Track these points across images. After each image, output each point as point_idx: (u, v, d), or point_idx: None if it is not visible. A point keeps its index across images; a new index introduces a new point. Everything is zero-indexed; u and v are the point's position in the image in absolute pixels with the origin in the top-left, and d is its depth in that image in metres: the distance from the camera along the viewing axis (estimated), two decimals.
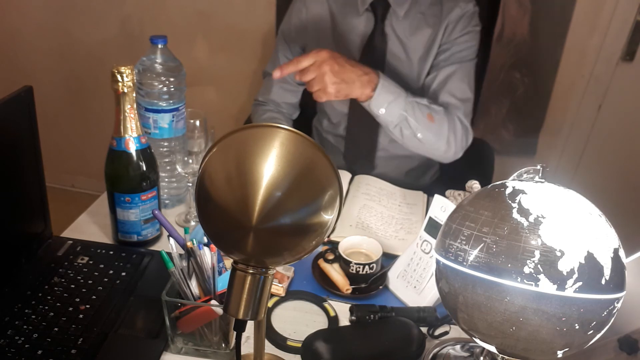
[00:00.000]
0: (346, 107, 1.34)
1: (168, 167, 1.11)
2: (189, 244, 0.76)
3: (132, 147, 0.92)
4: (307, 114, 1.49)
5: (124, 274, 0.92)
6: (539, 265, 0.53)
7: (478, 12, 1.28)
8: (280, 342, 0.81)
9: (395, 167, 1.40)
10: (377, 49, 1.27)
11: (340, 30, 1.31)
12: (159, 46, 1.04)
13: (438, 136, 1.19)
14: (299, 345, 0.79)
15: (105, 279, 0.90)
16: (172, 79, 1.04)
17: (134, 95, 0.91)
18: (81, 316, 0.82)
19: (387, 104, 1.13)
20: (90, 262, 0.94)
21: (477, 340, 0.61)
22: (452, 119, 1.21)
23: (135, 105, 0.91)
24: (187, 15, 2.10)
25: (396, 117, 1.15)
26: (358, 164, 1.35)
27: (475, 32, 1.28)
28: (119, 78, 0.87)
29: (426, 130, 1.17)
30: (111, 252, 0.97)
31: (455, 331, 0.84)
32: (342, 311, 0.88)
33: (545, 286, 0.53)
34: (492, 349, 0.60)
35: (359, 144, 1.37)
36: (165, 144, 1.09)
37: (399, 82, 1.29)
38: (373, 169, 1.36)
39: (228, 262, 0.76)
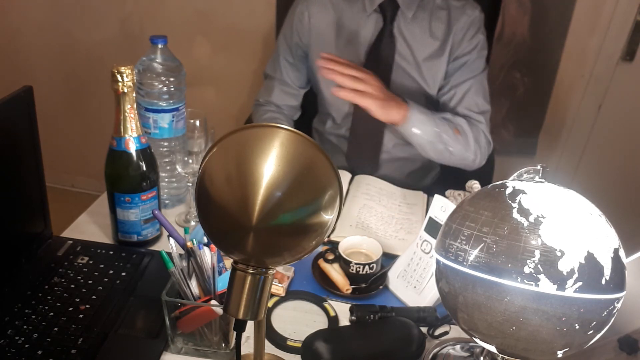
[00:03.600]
0: (351, 107, 1.34)
1: (168, 167, 1.11)
2: (189, 244, 0.76)
3: (132, 147, 0.92)
4: (308, 115, 1.49)
5: (124, 274, 0.92)
6: (539, 265, 0.53)
7: (483, 18, 1.30)
8: (280, 342, 0.81)
9: (397, 169, 1.40)
10: (385, 50, 1.27)
11: (345, 32, 1.30)
12: (159, 46, 1.04)
13: (466, 147, 1.26)
14: (299, 345, 0.79)
15: (105, 279, 0.90)
16: (172, 79, 1.04)
17: (134, 95, 0.91)
18: (81, 316, 0.82)
19: (420, 123, 1.19)
20: (90, 262, 0.94)
21: (477, 340, 0.61)
22: (477, 130, 1.28)
23: (135, 105, 0.91)
24: (187, 15, 2.10)
25: (430, 134, 1.20)
26: (362, 166, 1.35)
27: (484, 40, 1.31)
28: (119, 78, 0.87)
29: (456, 143, 1.24)
30: (111, 252, 0.97)
31: (455, 331, 0.84)
32: (342, 311, 0.88)
33: (545, 286, 0.53)
34: (492, 349, 0.60)
35: (363, 147, 1.37)
36: (165, 144, 1.09)
37: (407, 84, 1.30)
38: (376, 171, 1.36)
39: (228, 262, 0.76)
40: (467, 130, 1.26)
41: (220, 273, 0.78)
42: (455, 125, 1.25)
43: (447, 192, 1.11)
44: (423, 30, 1.27)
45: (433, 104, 1.35)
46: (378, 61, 1.28)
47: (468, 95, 1.29)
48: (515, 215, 0.56)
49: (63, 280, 0.89)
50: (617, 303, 0.55)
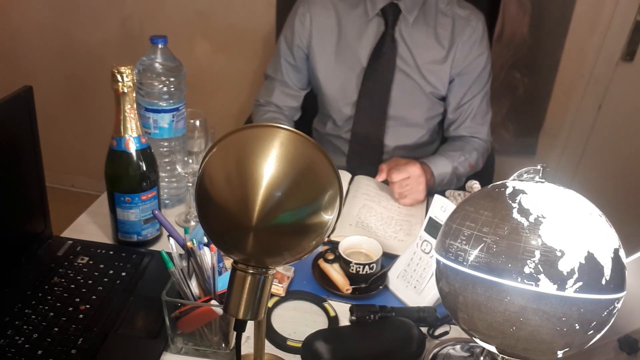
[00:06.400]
0: (352, 110, 1.34)
1: (168, 167, 1.11)
2: (189, 244, 0.76)
3: (132, 147, 0.92)
4: (308, 115, 1.49)
5: (124, 274, 0.92)
6: (539, 265, 0.53)
7: (487, 30, 1.31)
8: (280, 342, 0.81)
9: None
10: (387, 54, 1.27)
11: (347, 35, 1.30)
12: (159, 46, 1.04)
13: (475, 171, 1.36)
14: (299, 345, 0.79)
15: (105, 279, 0.90)
16: (172, 79, 1.04)
17: (134, 95, 0.91)
18: (81, 316, 0.82)
19: (444, 176, 1.27)
20: (90, 262, 0.94)
21: (477, 340, 0.61)
22: (483, 147, 1.37)
23: (135, 105, 0.91)
24: (187, 15, 2.10)
25: (450, 177, 1.29)
26: (363, 168, 1.35)
27: (488, 52, 1.33)
28: (119, 78, 0.87)
29: (469, 173, 1.33)
30: (111, 252, 0.97)
31: (455, 331, 0.84)
32: (342, 311, 0.88)
33: (546, 286, 0.53)
34: (492, 349, 0.60)
35: (365, 149, 1.37)
36: (165, 144, 1.09)
37: (408, 88, 1.30)
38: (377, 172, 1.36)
39: (228, 262, 0.76)
40: (478, 158, 1.34)
41: (220, 273, 0.78)
42: (469, 160, 1.32)
43: (447, 192, 1.12)
44: (425, 34, 1.27)
45: (433, 107, 1.35)
46: (379, 65, 1.28)
47: (480, 110, 1.35)
48: (516, 215, 0.56)
49: (63, 280, 0.89)
50: (617, 303, 0.55)
